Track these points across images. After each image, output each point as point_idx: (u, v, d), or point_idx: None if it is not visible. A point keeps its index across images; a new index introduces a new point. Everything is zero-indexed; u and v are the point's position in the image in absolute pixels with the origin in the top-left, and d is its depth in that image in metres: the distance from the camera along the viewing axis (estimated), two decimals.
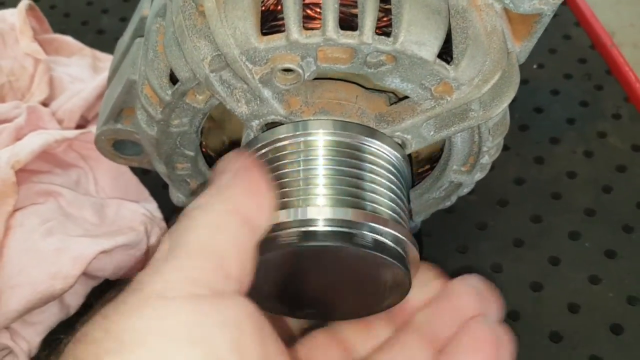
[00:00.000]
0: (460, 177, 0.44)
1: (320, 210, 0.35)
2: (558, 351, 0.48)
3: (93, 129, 0.55)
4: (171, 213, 0.52)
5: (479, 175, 0.45)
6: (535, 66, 0.65)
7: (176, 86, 0.37)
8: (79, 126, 0.57)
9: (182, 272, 0.27)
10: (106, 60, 0.64)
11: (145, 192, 0.54)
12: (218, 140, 0.47)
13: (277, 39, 0.33)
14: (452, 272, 0.51)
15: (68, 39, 0.65)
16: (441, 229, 0.54)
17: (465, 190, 0.47)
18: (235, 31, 0.33)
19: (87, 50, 0.65)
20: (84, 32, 0.70)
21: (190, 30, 0.34)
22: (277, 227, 0.34)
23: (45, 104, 0.58)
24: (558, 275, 0.52)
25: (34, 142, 0.48)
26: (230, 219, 0.30)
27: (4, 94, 0.58)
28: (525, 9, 0.37)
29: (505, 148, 0.59)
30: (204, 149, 0.46)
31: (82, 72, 0.62)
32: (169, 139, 0.41)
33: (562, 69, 0.65)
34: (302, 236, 0.34)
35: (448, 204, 0.48)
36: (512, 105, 0.62)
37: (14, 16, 0.61)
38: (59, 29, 0.67)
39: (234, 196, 0.31)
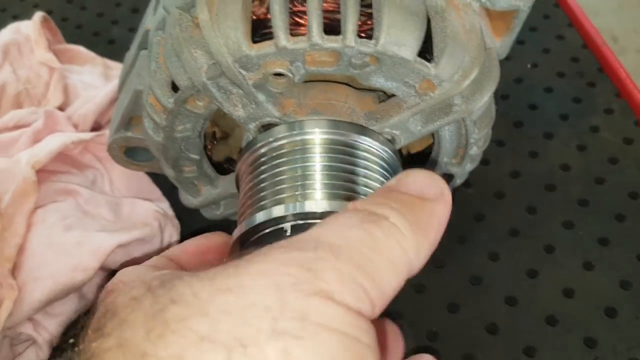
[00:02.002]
0: (451, 169, 0.47)
1: (317, 203, 0.38)
2: (554, 334, 0.50)
3: (107, 131, 0.58)
4: (182, 211, 0.55)
5: (469, 166, 0.47)
6: (529, 65, 0.68)
7: (177, 94, 0.40)
8: (93, 130, 0.60)
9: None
10: (117, 68, 0.67)
11: (157, 192, 0.57)
12: (222, 149, 0.50)
13: (266, 46, 0.36)
14: (451, 261, 0.54)
15: (80, 49, 0.68)
16: None
17: (458, 182, 0.49)
18: (227, 40, 0.36)
19: (99, 59, 0.68)
20: (95, 42, 0.73)
21: (187, 41, 0.37)
22: (278, 220, 0.37)
23: (60, 109, 0.61)
24: (553, 262, 0.54)
25: (52, 143, 0.51)
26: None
27: (21, 100, 0.61)
28: (501, 5, 0.40)
29: (501, 143, 0.62)
30: (209, 153, 0.49)
31: (95, 79, 0.65)
32: (175, 144, 0.44)
33: (556, 68, 0.67)
34: (300, 227, 0.37)
35: None
36: (507, 103, 0.65)
37: (28, 28, 0.64)
38: (71, 39, 0.70)
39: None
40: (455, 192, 0.49)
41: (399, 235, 0.29)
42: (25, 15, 0.75)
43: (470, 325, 0.51)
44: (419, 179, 0.32)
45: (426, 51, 0.39)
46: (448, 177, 0.48)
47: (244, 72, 0.38)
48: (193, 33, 0.37)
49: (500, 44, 0.42)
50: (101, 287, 0.52)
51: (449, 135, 0.44)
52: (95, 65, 0.66)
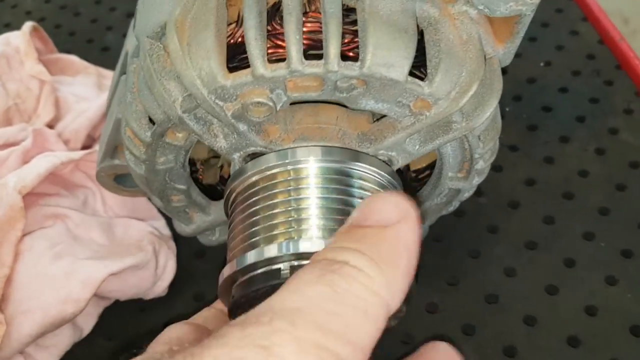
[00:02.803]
0: (457, 183, 0.44)
1: (312, 243, 0.35)
2: (577, 356, 0.47)
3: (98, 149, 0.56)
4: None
5: (477, 180, 0.44)
6: (542, 64, 0.64)
7: (154, 127, 0.37)
8: (85, 145, 0.58)
9: None
10: (110, 77, 0.65)
11: (153, 209, 0.55)
12: (213, 171, 0.47)
13: (243, 76, 0.33)
14: (464, 278, 0.51)
15: (73, 58, 0.66)
16: (451, 233, 0.54)
17: (466, 195, 0.46)
18: (201, 71, 0.33)
19: (92, 68, 0.66)
20: (89, 49, 0.72)
21: (159, 73, 0.35)
22: (270, 261, 0.34)
23: (51, 125, 0.59)
24: (574, 277, 0.51)
25: (40, 165, 0.49)
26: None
27: (11, 116, 0.59)
28: (502, 12, 0.36)
29: (514, 149, 0.59)
30: (200, 176, 0.46)
31: (87, 90, 0.63)
32: (158, 176, 0.41)
33: (571, 66, 0.64)
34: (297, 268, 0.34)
35: (451, 209, 0.47)
36: (519, 104, 0.62)
37: (18, 39, 0.63)
38: (64, 47, 0.68)
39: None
40: (466, 202, 0.47)
41: (364, 277, 0.26)
42: (17, 22, 0.74)
43: (488, 348, 0.48)
44: (378, 206, 0.28)
45: (420, 65, 0.35)
46: (455, 192, 0.45)
47: (221, 103, 0.35)
48: (165, 64, 0.35)
49: (503, 50, 0.39)
50: (96, 315, 0.50)
51: (451, 150, 0.41)
52: (89, 75, 0.64)
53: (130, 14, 0.75)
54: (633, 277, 0.50)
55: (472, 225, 0.55)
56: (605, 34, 0.65)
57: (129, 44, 0.43)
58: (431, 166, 0.46)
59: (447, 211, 0.47)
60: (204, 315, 0.38)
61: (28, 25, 0.63)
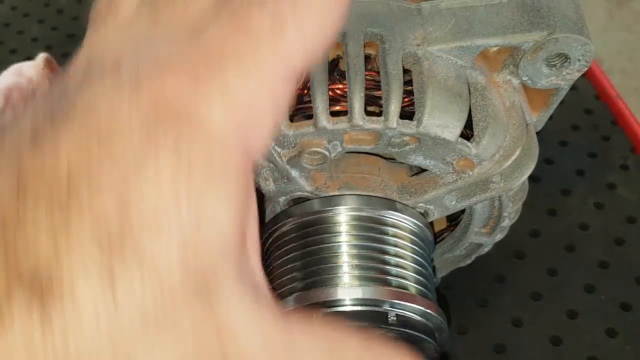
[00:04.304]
0: (480, 238, 0.45)
1: (346, 290, 0.36)
2: None
3: None
4: None
5: (499, 236, 0.46)
6: None
7: None
8: None
9: None
10: None
11: None
12: None
13: (305, 126, 0.35)
14: (474, 328, 0.52)
15: None
16: (460, 282, 0.55)
17: (485, 250, 0.47)
18: None
19: None
20: None
21: None
22: (305, 308, 0.36)
23: None
24: (576, 328, 0.53)
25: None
26: None
27: None
28: (542, 84, 0.38)
29: None
30: None
31: None
32: None
33: (570, 120, 0.66)
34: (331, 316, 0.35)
35: (468, 262, 0.49)
36: None
37: (30, 69, 0.62)
38: None
39: None
40: None
41: None
42: (23, 49, 0.72)
43: None
44: None
45: (465, 127, 0.37)
46: (476, 246, 0.46)
47: (279, 150, 0.36)
48: None
49: (537, 118, 0.41)
50: None
51: (481, 208, 0.42)
52: None
53: None
54: (632, 330, 0.52)
55: (480, 275, 0.56)
56: (602, 91, 0.68)
57: None
58: (449, 219, 0.47)
59: (464, 263, 0.49)
60: None
61: (42, 56, 0.62)
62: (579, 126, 0.66)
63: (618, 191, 0.61)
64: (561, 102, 0.68)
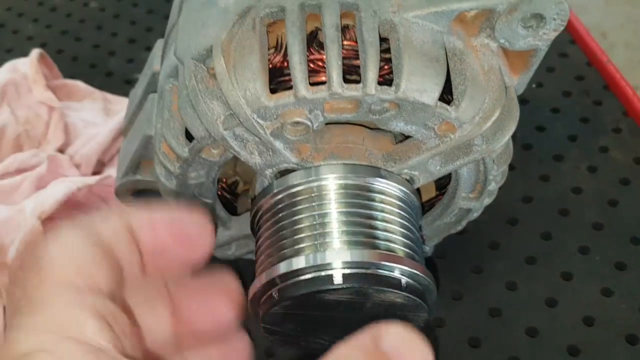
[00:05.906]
0: (469, 203, 0.46)
1: (336, 253, 0.37)
2: None
3: (111, 172, 0.56)
4: None
5: (487, 200, 0.46)
6: (534, 85, 0.67)
7: (192, 144, 0.39)
8: (95, 171, 0.59)
9: None
10: (117, 102, 0.66)
11: None
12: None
13: (285, 97, 0.36)
14: (468, 293, 0.53)
15: (78, 84, 0.66)
16: (454, 250, 0.56)
17: (475, 215, 0.48)
18: (246, 92, 0.35)
19: (98, 93, 0.66)
20: (93, 74, 0.72)
21: (203, 93, 0.37)
22: (295, 273, 0.37)
23: (61, 150, 0.59)
24: (571, 290, 0.53)
25: (57, 191, 0.49)
26: None
27: (21, 142, 0.60)
28: (520, 46, 0.39)
29: (511, 167, 0.60)
30: (219, 192, 0.48)
31: (95, 116, 0.64)
32: (188, 190, 0.43)
33: (561, 87, 0.67)
34: (321, 280, 0.36)
35: (459, 228, 0.49)
36: None
37: (25, 65, 0.63)
38: (68, 73, 0.69)
39: None
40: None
41: None
42: (19, 48, 0.74)
43: (493, 359, 0.50)
44: (397, 339, 0.28)
45: (445, 92, 0.38)
46: (465, 212, 0.47)
47: (262, 122, 0.37)
48: (209, 84, 0.37)
49: (518, 81, 0.41)
50: None
51: (467, 172, 0.43)
52: (95, 100, 0.64)
53: (132, 40, 0.76)
54: (627, 289, 0.53)
55: (474, 242, 0.57)
56: (593, 57, 0.68)
57: (157, 64, 0.45)
58: (438, 187, 0.48)
59: (455, 230, 0.50)
60: None
61: (35, 52, 0.63)
62: (570, 92, 0.67)
63: (611, 154, 0.62)
64: (552, 70, 0.69)
